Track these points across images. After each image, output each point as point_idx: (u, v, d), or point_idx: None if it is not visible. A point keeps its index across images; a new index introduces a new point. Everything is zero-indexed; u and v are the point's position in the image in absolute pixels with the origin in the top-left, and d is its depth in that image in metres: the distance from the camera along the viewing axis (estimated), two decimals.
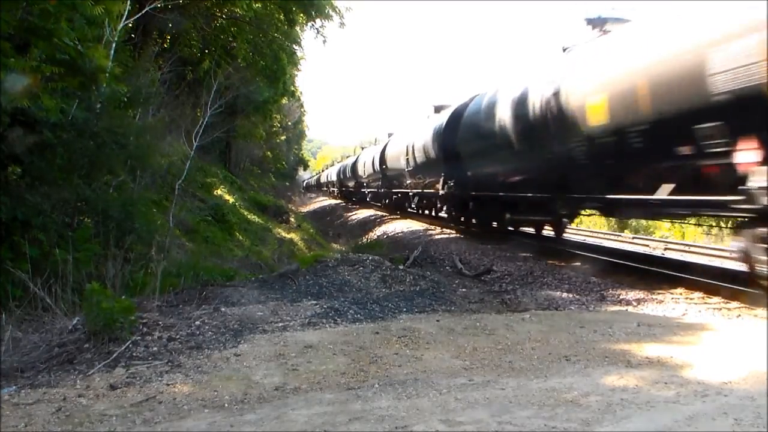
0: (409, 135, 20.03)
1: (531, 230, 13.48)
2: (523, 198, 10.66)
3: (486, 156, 11.98)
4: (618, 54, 7.32)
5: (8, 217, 5.56)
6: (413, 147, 18.30)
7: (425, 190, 18.07)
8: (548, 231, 13.15)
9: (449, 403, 3.10)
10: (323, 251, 12.67)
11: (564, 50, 9.34)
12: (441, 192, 15.57)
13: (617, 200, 7.66)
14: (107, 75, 6.11)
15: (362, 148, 39.12)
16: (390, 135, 27.62)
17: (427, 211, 20.33)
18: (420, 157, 17.58)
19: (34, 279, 4.90)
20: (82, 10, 5.56)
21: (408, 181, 20.18)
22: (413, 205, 20.84)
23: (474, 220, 14.34)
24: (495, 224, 13.07)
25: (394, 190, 23.41)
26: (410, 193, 20.39)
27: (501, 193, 11.45)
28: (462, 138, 13.48)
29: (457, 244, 12.32)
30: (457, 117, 14.23)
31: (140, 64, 12.55)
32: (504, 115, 10.50)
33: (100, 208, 6.74)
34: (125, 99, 8.14)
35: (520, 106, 9.79)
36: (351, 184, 36.12)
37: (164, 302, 5.60)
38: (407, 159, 19.19)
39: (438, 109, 18.99)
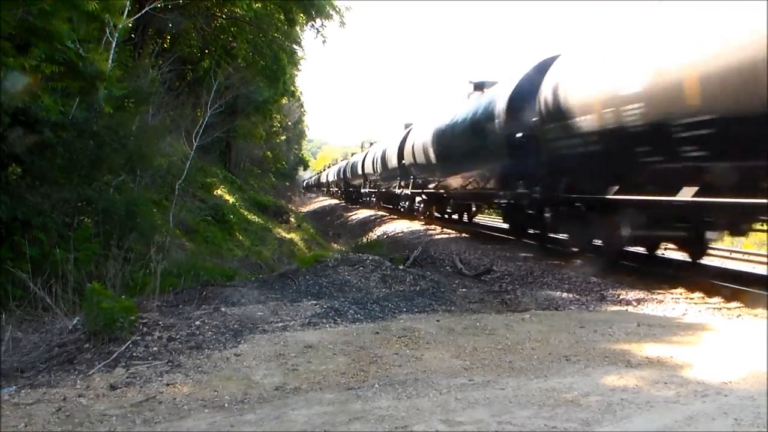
0: (438, 122, 15.81)
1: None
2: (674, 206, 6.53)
3: (606, 141, 7.57)
4: None
5: (8, 217, 5.57)
6: (448, 135, 14.40)
7: (465, 191, 14.25)
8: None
9: (449, 403, 3.10)
10: (323, 251, 12.66)
11: None
12: (500, 193, 11.56)
13: None
14: (107, 79, 6.09)
15: (370, 144, 35.14)
16: (408, 126, 22.56)
17: (456, 216, 17.52)
18: (458, 148, 13.62)
19: (34, 279, 4.91)
20: (80, 5, 5.52)
21: (437, 180, 16.18)
22: (448, 209, 17.26)
23: (562, 235, 9.91)
24: (597, 242, 8.62)
25: (416, 190, 18.80)
26: (445, 195, 16.30)
27: (634, 197, 7.15)
28: (549, 113, 9.04)
29: (457, 244, 12.33)
30: (530, 87, 10.05)
31: (141, 64, 12.56)
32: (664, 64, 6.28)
33: (101, 207, 6.75)
34: (123, 97, 8.14)
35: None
36: (357, 183, 32.69)
37: (164, 302, 5.60)
38: (437, 151, 15.26)
39: (479, 87, 14.40)
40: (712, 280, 7.10)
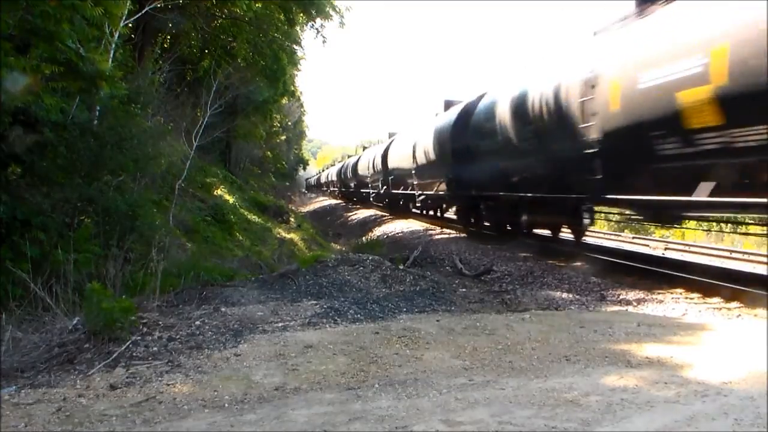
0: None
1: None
2: None
3: None
4: None
5: (8, 217, 5.56)
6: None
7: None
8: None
9: (449, 403, 3.10)
10: (323, 251, 12.66)
11: None
12: None
13: None
14: (107, 79, 6.09)
15: (389, 136, 27.40)
16: (453, 104, 15.98)
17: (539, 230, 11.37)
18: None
19: (35, 279, 4.90)
20: (83, 11, 5.54)
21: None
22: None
23: None
24: None
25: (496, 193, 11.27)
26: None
27: None
28: None
29: (457, 244, 12.31)
30: None
31: (142, 65, 12.57)
32: None
33: (101, 207, 6.74)
34: (129, 101, 8.16)
35: None
36: (371, 182, 26.53)
37: (164, 302, 5.60)
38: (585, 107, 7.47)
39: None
40: (712, 280, 7.09)
